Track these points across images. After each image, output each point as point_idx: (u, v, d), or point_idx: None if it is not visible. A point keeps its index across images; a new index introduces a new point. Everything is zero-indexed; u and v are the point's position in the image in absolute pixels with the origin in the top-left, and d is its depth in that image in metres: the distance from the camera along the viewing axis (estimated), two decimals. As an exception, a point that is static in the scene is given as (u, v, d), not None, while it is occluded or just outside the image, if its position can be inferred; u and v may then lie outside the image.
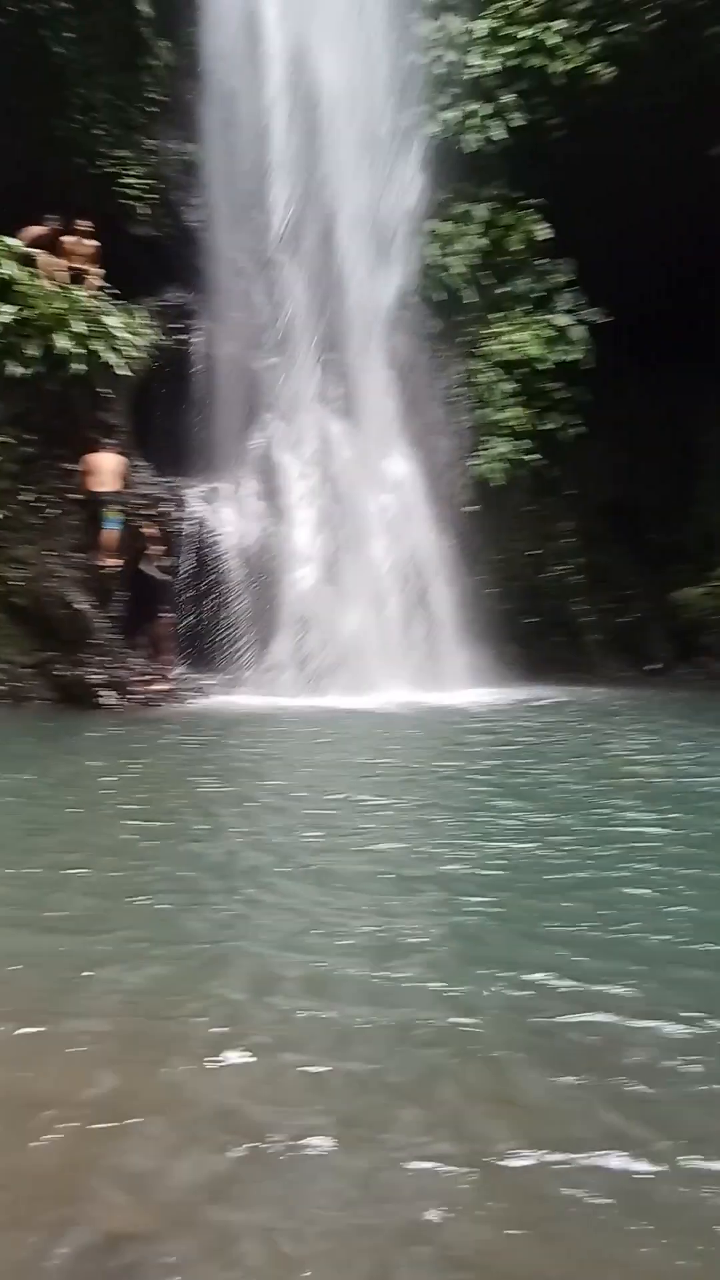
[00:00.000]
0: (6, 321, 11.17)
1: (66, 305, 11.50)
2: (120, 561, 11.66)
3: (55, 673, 11.21)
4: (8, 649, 11.36)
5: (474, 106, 14.60)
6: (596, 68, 14.17)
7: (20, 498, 11.55)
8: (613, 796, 5.77)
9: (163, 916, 3.66)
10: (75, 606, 11.44)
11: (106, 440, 11.89)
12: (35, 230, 12.27)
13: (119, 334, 11.91)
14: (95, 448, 11.68)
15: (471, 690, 12.23)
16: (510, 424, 14.05)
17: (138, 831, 5.01)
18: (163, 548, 12.21)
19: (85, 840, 4.94)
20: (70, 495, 11.55)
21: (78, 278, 12.48)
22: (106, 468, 11.60)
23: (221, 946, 3.32)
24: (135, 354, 12.18)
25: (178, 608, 12.23)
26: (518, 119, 14.44)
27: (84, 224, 12.63)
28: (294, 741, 8.80)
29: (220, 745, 8.37)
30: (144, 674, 11.52)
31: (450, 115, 14.62)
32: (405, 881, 4.10)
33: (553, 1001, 2.83)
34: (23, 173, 12.77)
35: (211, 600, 12.33)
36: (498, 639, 13.80)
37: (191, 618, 12.31)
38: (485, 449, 14.01)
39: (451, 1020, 2.71)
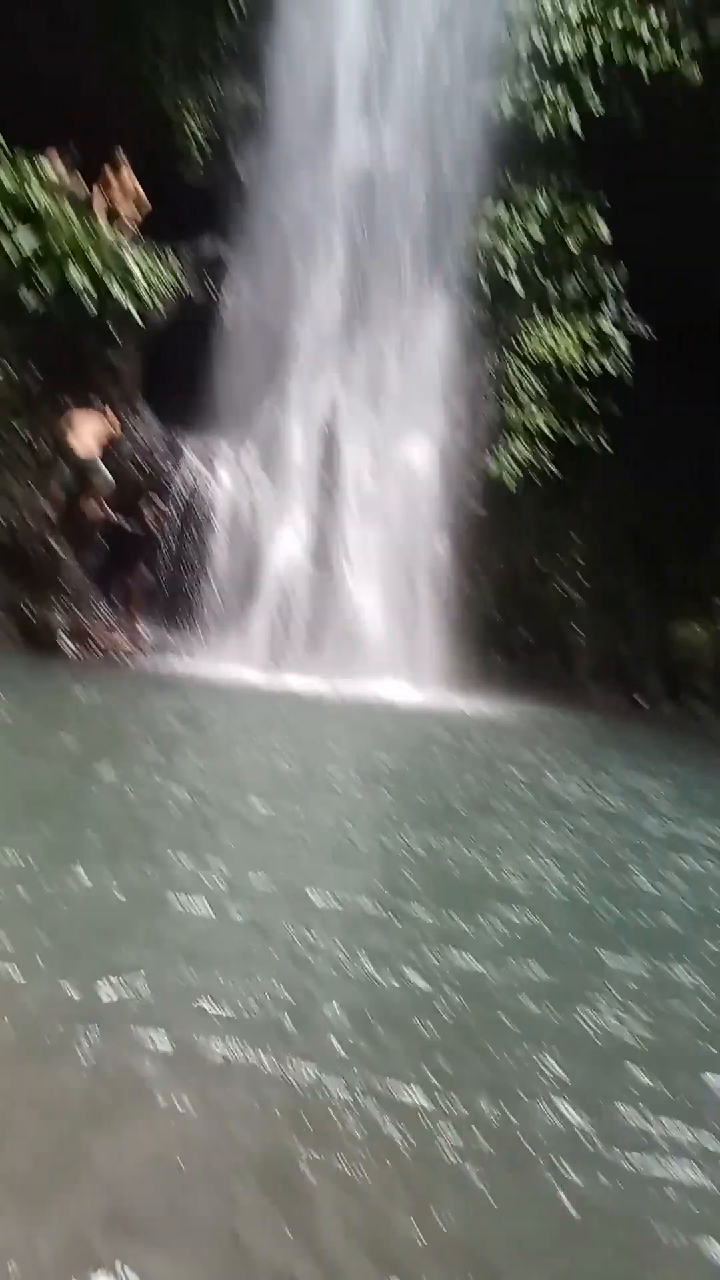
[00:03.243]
0: (27, 254, 10.95)
1: (87, 237, 11.24)
2: (102, 512, 11.50)
3: (23, 613, 11.15)
4: (-16, 587, 11.32)
5: (552, 90, 13.96)
6: (688, 68, 13.45)
7: (18, 433, 11.46)
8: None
9: None
10: (53, 548, 11.35)
11: (108, 390, 11.67)
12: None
13: (139, 276, 11.66)
14: (84, 405, 11.36)
15: (434, 691, 11.92)
16: (533, 427, 13.58)
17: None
18: (149, 504, 12.06)
19: None
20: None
21: (112, 214, 12.29)
22: (87, 429, 11.13)
23: None
24: (154, 299, 11.93)
25: (157, 565, 12.08)
26: (596, 109, 13.78)
27: (123, 160, 12.42)
28: (219, 721, 8.59)
29: (135, 710, 8.21)
30: (109, 626, 11.41)
31: (526, 96, 14.00)
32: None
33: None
34: (77, 95, 12.55)
35: (192, 562, 12.15)
36: (484, 647, 13.44)
37: (170, 577, 12.13)
38: (504, 449, 13.56)
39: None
